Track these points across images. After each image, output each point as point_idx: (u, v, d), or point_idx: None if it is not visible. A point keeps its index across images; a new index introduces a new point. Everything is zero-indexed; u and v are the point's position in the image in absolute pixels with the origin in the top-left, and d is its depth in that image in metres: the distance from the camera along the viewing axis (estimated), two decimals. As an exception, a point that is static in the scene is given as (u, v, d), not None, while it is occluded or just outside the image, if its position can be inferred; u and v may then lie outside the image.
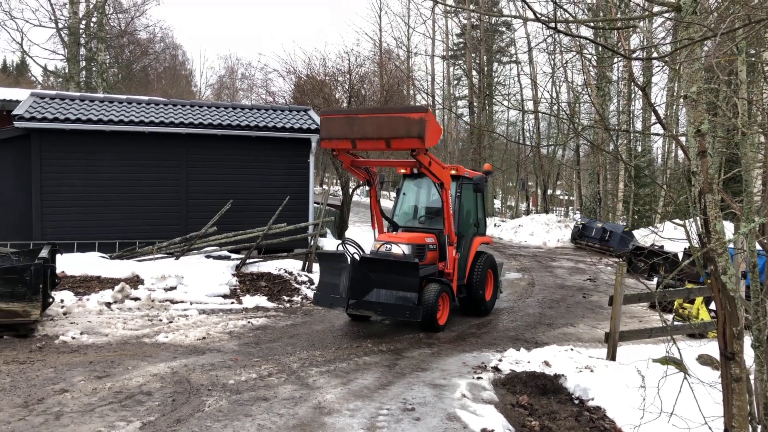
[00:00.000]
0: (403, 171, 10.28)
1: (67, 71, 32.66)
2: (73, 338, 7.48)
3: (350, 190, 19.47)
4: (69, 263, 10.78)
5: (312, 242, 12.85)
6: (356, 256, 8.68)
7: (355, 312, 8.25)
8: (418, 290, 8.02)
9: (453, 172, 9.43)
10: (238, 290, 10.62)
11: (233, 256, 12.55)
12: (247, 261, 11.86)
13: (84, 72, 32.25)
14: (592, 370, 6.56)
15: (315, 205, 15.04)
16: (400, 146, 7.98)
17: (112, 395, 5.50)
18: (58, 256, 9.62)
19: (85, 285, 10.19)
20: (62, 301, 9.04)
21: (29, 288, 7.44)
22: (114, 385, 5.76)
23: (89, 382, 5.86)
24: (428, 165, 8.31)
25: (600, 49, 16.68)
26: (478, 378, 6.45)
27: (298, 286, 11.14)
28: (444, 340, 8.21)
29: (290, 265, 12.14)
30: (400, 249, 8.69)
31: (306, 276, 11.76)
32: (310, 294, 10.69)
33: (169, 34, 50.92)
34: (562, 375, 6.48)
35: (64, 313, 8.66)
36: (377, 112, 8.20)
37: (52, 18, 31.10)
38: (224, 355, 6.93)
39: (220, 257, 12.23)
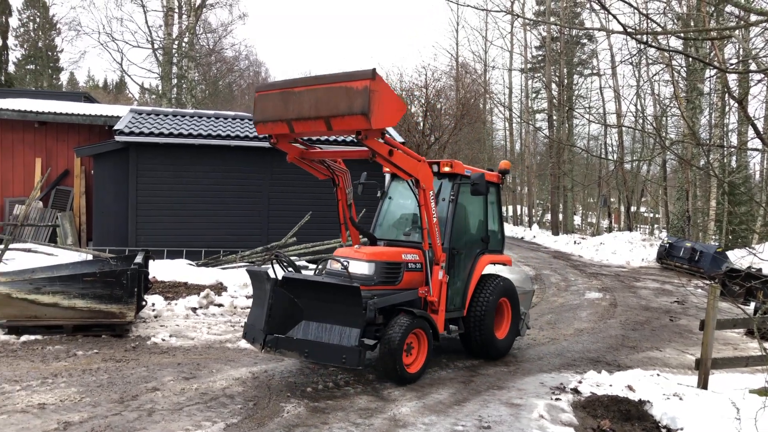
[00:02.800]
0: (387, 169, 7.79)
1: (160, 88, 34.90)
2: (163, 340, 7.92)
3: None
4: (160, 269, 11.45)
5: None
6: (289, 275, 6.56)
7: (272, 352, 6.15)
8: (363, 325, 5.93)
9: (447, 168, 7.33)
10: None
11: (311, 266, 12.86)
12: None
13: (175, 89, 34.31)
14: (681, 398, 6.20)
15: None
16: (342, 128, 5.88)
17: (198, 396, 5.77)
18: (150, 262, 10.24)
19: (173, 290, 10.78)
20: (153, 304, 9.60)
21: (125, 291, 7.96)
22: (200, 387, 6.05)
23: (178, 382, 6.19)
24: (387, 154, 6.10)
25: (691, 60, 15.90)
26: (557, 399, 6.25)
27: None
28: (520, 359, 8.02)
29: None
30: (358, 268, 6.61)
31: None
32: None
33: (253, 52, 53.33)
34: (648, 401, 6.16)
35: (155, 316, 9.19)
36: (316, 82, 6.08)
37: (149, 39, 33.36)
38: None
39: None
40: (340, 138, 14.28)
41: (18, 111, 15.26)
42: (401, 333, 6.23)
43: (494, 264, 8.21)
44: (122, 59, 34.64)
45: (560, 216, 32.08)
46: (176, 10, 34.49)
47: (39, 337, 7.76)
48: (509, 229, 33.02)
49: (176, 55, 34.01)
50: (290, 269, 6.97)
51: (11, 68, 39.98)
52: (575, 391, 6.56)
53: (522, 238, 29.70)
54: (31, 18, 44.90)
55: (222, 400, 5.72)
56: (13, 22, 40.33)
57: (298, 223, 12.07)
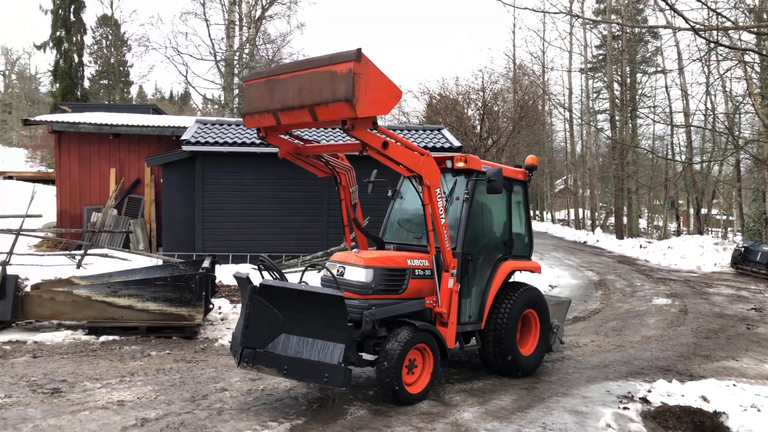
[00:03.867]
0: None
1: (222, 99, 36.18)
2: (230, 342, 8.20)
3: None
4: (225, 273, 11.85)
5: (445, 260, 12.90)
6: (268, 282, 5.74)
7: (248, 368, 5.57)
8: (348, 339, 5.33)
9: (461, 164, 6.60)
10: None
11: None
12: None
13: (237, 99, 35.49)
14: (759, 410, 5.88)
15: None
16: (327, 117, 5.29)
17: (264, 396, 5.95)
18: (216, 266, 10.62)
19: (238, 294, 11.13)
20: (220, 307, 9.95)
21: (194, 295, 8.30)
22: (266, 388, 6.23)
23: (244, 383, 6.40)
24: (381, 147, 5.50)
25: (766, 53, 15.06)
26: (624, 408, 6.06)
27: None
28: (585, 366, 7.82)
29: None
30: (355, 274, 6.01)
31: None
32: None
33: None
34: (723, 413, 5.87)
35: (222, 319, 9.52)
36: (299, 67, 5.54)
37: (212, 52, 34.66)
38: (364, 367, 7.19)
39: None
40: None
41: (94, 124, 16.19)
42: (401, 348, 5.60)
43: (519, 271, 7.48)
44: (187, 72, 36.11)
45: (624, 219, 31.02)
46: (237, 23, 35.71)
47: (116, 337, 8.20)
48: (570, 234, 32.20)
49: (237, 65, 35.19)
50: (274, 274, 6.12)
51: (86, 83, 42.42)
52: (644, 400, 6.33)
53: (584, 242, 28.89)
54: (104, 36, 47.51)
55: (287, 401, 5.88)
56: (88, 40, 42.80)
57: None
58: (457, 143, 14.77)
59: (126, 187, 16.41)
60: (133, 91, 51.17)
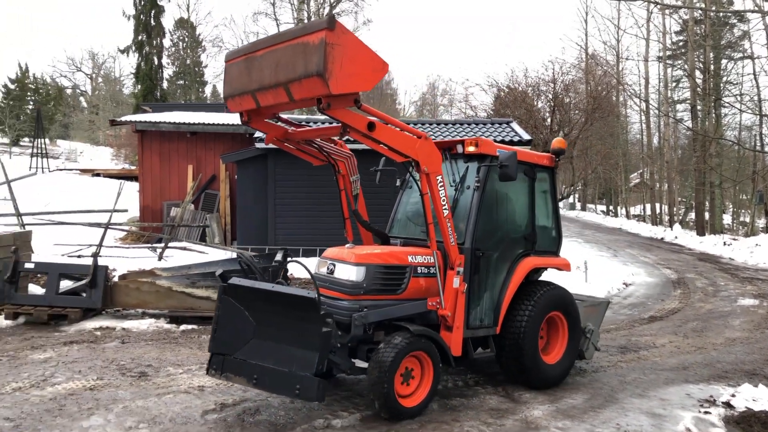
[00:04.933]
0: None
1: (292, 97, 37.10)
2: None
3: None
4: (296, 266, 12.18)
5: (514, 255, 12.71)
6: (237, 281, 5.21)
7: (217, 376, 5.14)
8: (322, 347, 4.71)
9: (472, 148, 5.89)
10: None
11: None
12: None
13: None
14: None
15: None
16: (302, 96, 4.69)
17: (333, 388, 6.09)
18: (288, 259, 10.93)
19: (309, 286, 11.42)
20: (291, 299, 10.24)
21: (267, 287, 8.58)
22: (336, 379, 6.38)
23: (315, 373, 6.57)
24: (366, 129, 4.90)
25: None
26: (705, 412, 5.79)
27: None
28: (663, 367, 7.51)
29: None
30: (344, 272, 5.48)
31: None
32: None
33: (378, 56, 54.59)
34: (817, 421, 5.50)
35: (293, 311, 9.79)
36: (275, 40, 4.93)
37: (283, 51, 35.53)
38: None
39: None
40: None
41: (173, 123, 17.02)
42: (393, 356, 4.98)
43: (545, 268, 6.71)
44: (259, 71, 36.91)
45: (706, 215, 29.38)
46: (306, 21, 36.49)
47: (195, 326, 8.63)
48: (646, 230, 30.86)
49: (306, 64, 35.93)
50: (251, 273, 5.42)
51: (165, 84, 44.58)
52: (727, 404, 6.02)
53: (662, 239, 27.60)
54: (181, 38, 49.73)
55: (356, 392, 5.99)
56: (166, 42, 44.93)
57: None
58: (526, 136, 14.48)
59: (203, 183, 17.15)
60: (207, 90, 53.23)
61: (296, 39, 4.64)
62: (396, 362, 5.00)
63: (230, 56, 5.39)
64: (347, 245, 5.89)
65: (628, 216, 41.59)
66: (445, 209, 5.49)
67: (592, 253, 19.76)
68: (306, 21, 36.65)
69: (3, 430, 4.80)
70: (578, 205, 50.71)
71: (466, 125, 15.92)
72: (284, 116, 5.98)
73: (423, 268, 5.69)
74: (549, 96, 20.16)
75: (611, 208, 46.19)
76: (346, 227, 6.66)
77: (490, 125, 15.77)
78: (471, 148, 5.93)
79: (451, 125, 15.88)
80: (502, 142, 14.16)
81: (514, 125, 15.61)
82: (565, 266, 6.81)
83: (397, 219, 6.90)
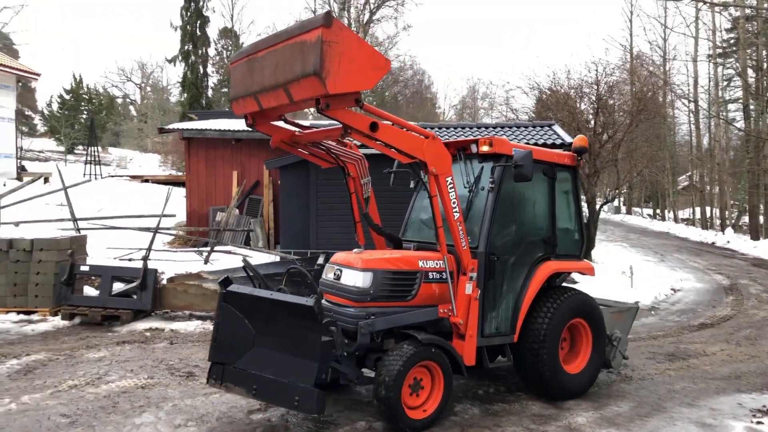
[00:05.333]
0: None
1: (333, 103, 37.54)
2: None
3: (597, 206, 18.47)
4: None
5: (557, 260, 12.53)
6: (236, 288, 5.05)
7: (216, 386, 4.99)
8: (322, 357, 4.53)
9: (486, 147, 5.67)
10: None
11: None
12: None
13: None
14: None
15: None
16: (302, 97, 4.53)
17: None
18: (290, 266, 11.06)
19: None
20: (332, 303, 10.36)
21: (310, 289, 8.71)
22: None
23: (357, 376, 6.64)
24: (368, 129, 4.71)
25: None
26: (758, 422, 5.59)
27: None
28: (714, 376, 7.27)
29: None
30: (351, 278, 5.29)
31: (550, 294, 11.50)
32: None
33: (416, 61, 54.81)
34: None
35: (334, 314, 9.91)
36: (275, 40, 4.73)
37: (323, 58, 36.00)
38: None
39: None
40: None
41: (218, 130, 17.47)
42: (400, 366, 4.78)
43: (567, 273, 6.43)
44: (300, 77, 37.60)
45: (761, 218, 28.21)
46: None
47: (240, 328, 8.82)
48: (696, 234, 29.86)
49: (347, 70, 36.33)
50: (256, 280, 5.51)
51: (210, 93, 45.74)
52: (783, 415, 5.80)
53: (713, 243, 26.65)
54: (225, 47, 50.92)
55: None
56: (211, 52, 46.08)
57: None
58: (569, 139, 14.25)
59: (247, 188, 17.53)
60: (251, 97, 54.36)
61: (294, 38, 4.46)
62: (403, 372, 4.81)
63: (234, 58, 5.29)
64: (355, 250, 5.73)
65: (676, 220, 40.31)
66: (456, 212, 5.28)
67: (637, 257, 19.26)
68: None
69: (60, 425, 5.04)
70: (623, 208, 49.47)
71: (507, 128, 15.78)
72: (304, 121, 5.99)
73: (435, 273, 5.47)
74: (592, 98, 19.78)
75: (658, 211, 44.86)
76: (357, 231, 6.57)
77: (531, 128, 15.59)
78: (485, 148, 5.70)
79: (491, 128, 15.78)
80: (544, 145, 13.99)
81: (557, 128, 15.39)
82: (588, 270, 6.55)
83: (411, 222, 6.71)
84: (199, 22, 41.77)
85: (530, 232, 6.17)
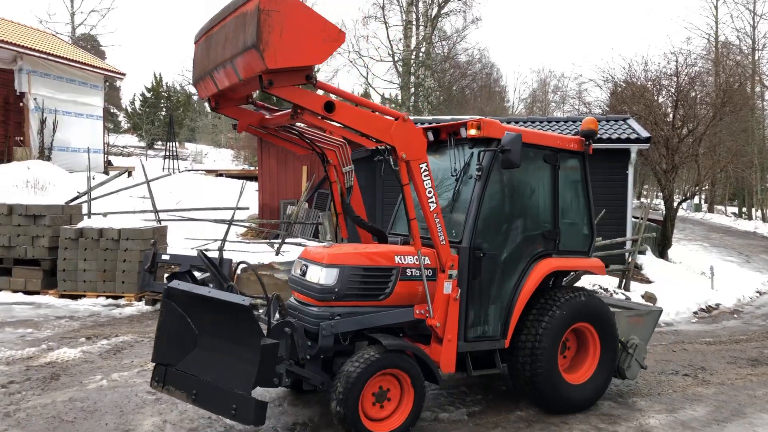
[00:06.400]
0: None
1: (399, 98, 37.63)
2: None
3: (674, 204, 17.65)
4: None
5: (630, 259, 12.13)
6: (178, 286, 4.54)
7: (159, 389, 4.54)
8: (259, 364, 4.06)
9: (474, 131, 5.12)
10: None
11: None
12: (560, 273, 11.87)
13: (413, 97, 36.65)
14: None
15: (633, 219, 14.14)
16: (248, 74, 4.05)
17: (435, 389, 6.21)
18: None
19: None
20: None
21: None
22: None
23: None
24: (322, 109, 4.20)
25: None
26: None
27: (613, 303, 10.67)
28: (800, 383, 6.86)
29: (605, 281, 11.68)
30: (315, 275, 4.81)
31: (623, 294, 11.16)
32: (628, 313, 10.18)
33: (486, 55, 54.02)
34: None
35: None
36: (225, 12, 4.28)
37: (390, 53, 36.19)
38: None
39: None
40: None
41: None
42: (358, 373, 4.34)
43: (572, 271, 5.73)
44: (367, 73, 38.04)
45: None
46: (414, 23, 36.85)
47: (309, 318, 9.10)
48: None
49: (414, 64, 36.31)
50: (207, 272, 4.93)
51: (281, 89, 46.86)
52: None
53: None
54: (295, 44, 52.02)
55: (462, 389, 6.06)
56: (283, 50, 47.22)
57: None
58: (645, 133, 13.71)
59: (316, 183, 17.95)
60: (320, 93, 55.37)
61: (239, 9, 4.05)
62: (361, 381, 4.34)
63: (196, 36, 4.78)
64: (325, 243, 5.31)
65: (764, 219, 37.80)
66: (432, 202, 4.74)
67: (719, 258, 18.28)
68: (414, 22, 37.03)
69: (147, 402, 5.41)
70: (704, 206, 46.90)
71: (579, 122, 15.37)
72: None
73: (415, 270, 4.93)
74: (671, 90, 18.86)
75: (744, 210, 42.23)
76: (340, 224, 6.04)
77: (605, 122, 15.09)
78: (473, 131, 5.15)
79: (563, 122, 15.40)
80: (617, 139, 13.51)
81: (632, 122, 14.81)
82: (597, 269, 5.83)
83: (400, 215, 6.14)
84: (271, 20, 42.88)
85: (527, 225, 5.50)
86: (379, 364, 4.44)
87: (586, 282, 11.56)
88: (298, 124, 5.11)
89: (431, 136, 5.64)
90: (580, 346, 5.68)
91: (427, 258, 4.93)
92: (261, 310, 4.59)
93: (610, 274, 12.11)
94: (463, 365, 5.09)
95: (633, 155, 13.52)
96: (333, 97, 4.37)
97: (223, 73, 4.29)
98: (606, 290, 11.30)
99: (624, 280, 11.65)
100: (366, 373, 4.37)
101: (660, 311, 6.63)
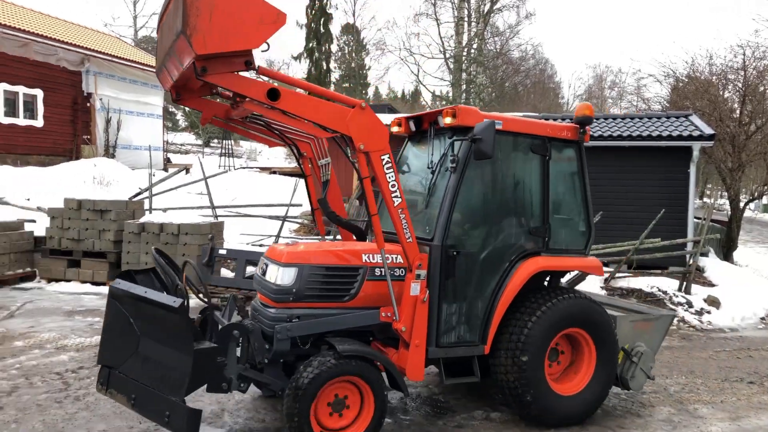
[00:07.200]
0: (396, 128, 5.54)
1: (450, 95, 37.42)
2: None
3: (740, 204, 16.86)
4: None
5: (691, 261, 11.67)
6: (118, 283, 4.29)
7: (103, 392, 4.33)
8: (192, 369, 3.84)
9: (449, 119, 4.74)
10: (606, 303, 10.44)
11: (601, 268, 12.35)
12: (616, 275, 11.53)
13: (464, 94, 36.38)
14: None
15: (695, 220, 13.60)
16: (183, 63, 3.80)
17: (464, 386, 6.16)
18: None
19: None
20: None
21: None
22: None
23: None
24: (266, 98, 3.87)
25: None
26: None
27: (673, 307, 10.29)
28: None
29: (664, 284, 11.29)
30: (273, 274, 4.56)
31: (683, 297, 10.76)
32: (688, 317, 9.80)
33: (539, 50, 53.03)
34: None
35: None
36: None
37: (441, 50, 36.06)
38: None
39: (587, 268, 12.21)
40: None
41: (341, 124, 18.13)
42: (309, 380, 4.07)
43: (579, 272, 5.34)
44: (418, 71, 38.03)
45: None
46: (466, 19, 36.56)
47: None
48: None
49: (465, 61, 36.03)
50: (162, 271, 4.58)
51: (332, 88, 47.54)
52: None
53: None
54: (347, 43, 52.59)
55: (492, 391, 5.96)
56: (333, 48, 47.80)
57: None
58: (708, 130, 13.14)
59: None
60: (370, 91, 55.68)
61: None
62: (311, 389, 4.08)
63: (158, 24, 4.50)
64: (287, 241, 4.70)
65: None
66: (396, 197, 4.33)
67: (789, 261, 17.35)
68: (466, 18, 36.73)
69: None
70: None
71: (638, 119, 14.86)
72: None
73: (381, 269, 4.59)
74: (738, 85, 18.00)
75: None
76: (317, 220, 5.77)
77: (665, 119, 14.54)
78: (448, 119, 4.75)
79: (620, 119, 14.94)
80: (679, 137, 13.01)
81: (694, 118, 14.21)
82: (592, 269, 5.36)
83: (384, 210, 5.49)
84: (322, 19, 43.47)
85: (511, 221, 5.05)
86: (332, 372, 4.15)
87: (642, 284, 11.22)
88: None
89: (413, 126, 5.38)
90: (574, 354, 5.22)
91: (399, 257, 4.62)
92: (218, 312, 4.55)
93: (669, 276, 11.70)
94: (460, 372, 4.81)
95: (695, 153, 13.00)
96: (279, 84, 4.03)
97: (170, 62, 4.06)
98: (665, 293, 10.92)
99: (685, 283, 11.22)
100: (317, 381, 4.09)
101: (672, 317, 5.97)
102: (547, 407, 4.83)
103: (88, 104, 20.93)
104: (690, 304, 10.40)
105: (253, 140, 5.37)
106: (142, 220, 10.65)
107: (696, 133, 13.04)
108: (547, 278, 5.40)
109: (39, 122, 19.24)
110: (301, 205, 15.10)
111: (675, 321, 9.63)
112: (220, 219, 13.16)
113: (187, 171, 22.62)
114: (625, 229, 12.70)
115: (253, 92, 3.85)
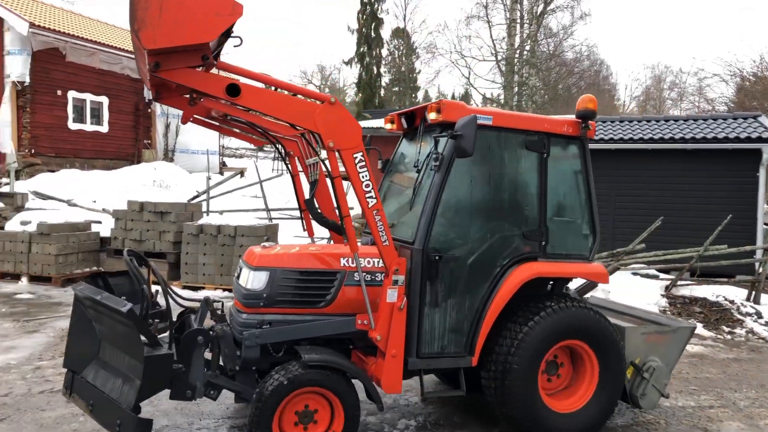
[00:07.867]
0: (389, 125, 5.32)
1: (502, 98, 36.97)
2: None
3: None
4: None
5: (760, 269, 11.10)
6: (80, 287, 4.24)
7: (67, 397, 4.26)
8: (143, 377, 3.70)
9: (434, 114, 4.45)
10: (668, 312, 10.04)
11: (661, 275, 11.91)
12: (678, 283, 11.09)
13: (516, 96, 35.86)
14: None
15: (765, 226, 12.94)
16: (140, 59, 3.70)
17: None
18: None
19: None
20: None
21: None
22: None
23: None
24: (226, 94, 3.66)
25: None
26: None
27: (741, 317, 9.81)
28: None
29: (731, 293, 10.77)
30: (246, 279, 4.41)
31: (752, 307, 10.24)
32: (757, 328, 9.31)
33: (594, 51, 51.65)
34: None
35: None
36: None
37: (493, 53, 35.69)
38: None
39: (647, 275, 11.80)
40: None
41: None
42: (270, 391, 3.89)
43: (569, 279, 4.94)
44: (469, 74, 37.73)
45: None
46: (518, 21, 36.05)
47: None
48: None
49: (517, 63, 35.52)
50: (137, 277, 4.40)
51: (382, 92, 47.74)
52: None
53: None
54: (397, 47, 52.69)
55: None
56: (383, 52, 48.06)
57: (648, 228, 11.29)
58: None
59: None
60: (420, 95, 55.61)
61: None
62: (273, 400, 3.90)
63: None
64: (263, 244, 4.78)
65: None
66: (370, 197, 4.05)
67: None
68: (518, 20, 36.20)
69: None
70: None
71: (702, 121, 14.28)
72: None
73: (365, 275, 4.35)
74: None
75: None
76: (305, 220, 5.54)
77: (731, 120, 13.91)
78: (432, 115, 4.44)
79: (682, 121, 14.39)
80: (747, 139, 12.42)
81: (763, 119, 13.53)
82: (596, 276, 4.93)
83: None
84: (373, 24, 43.84)
85: (502, 224, 4.72)
86: (295, 382, 3.94)
87: (707, 292, 10.74)
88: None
89: (405, 123, 5.15)
90: (576, 368, 4.82)
91: (381, 261, 4.29)
92: (193, 316, 4.50)
93: (737, 285, 11.17)
94: (456, 384, 4.57)
95: (765, 156, 12.39)
96: (243, 79, 3.82)
97: (139, 59, 3.83)
98: (732, 302, 10.43)
99: (754, 292, 10.68)
100: (280, 391, 3.91)
101: (693, 329, 5.36)
102: (541, 425, 4.47)
103: (149, 110, 21.78)
104: (759, 315, 9.89)
105: (239, 139, 5.27)
106: (200, 222, 10.97)
107: (766, 135, 12.43)
108: (549, 285, 5.01)
109: (104, 128, 20.15)
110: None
111: (743, 332, 9.18)
112: (274, 221, 13.41)
113: (242, 174, 23.19)
114: (688, 236, 12.22)
115: (211, 88, 3.67)
